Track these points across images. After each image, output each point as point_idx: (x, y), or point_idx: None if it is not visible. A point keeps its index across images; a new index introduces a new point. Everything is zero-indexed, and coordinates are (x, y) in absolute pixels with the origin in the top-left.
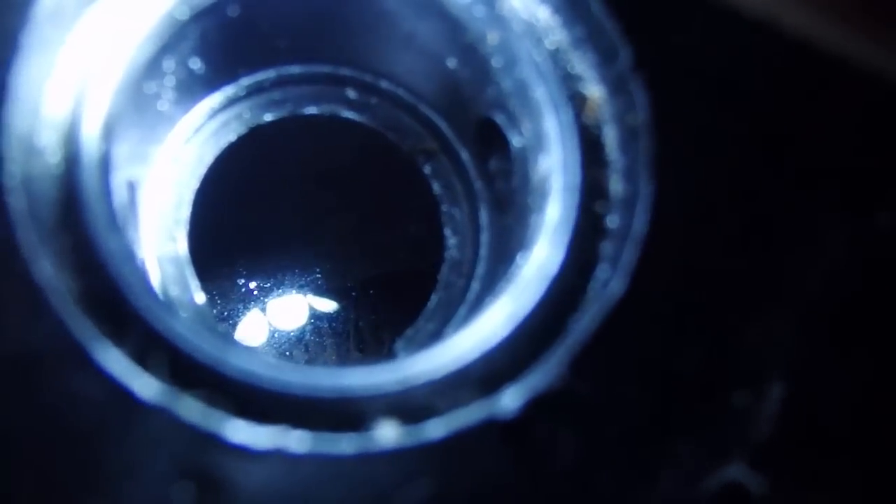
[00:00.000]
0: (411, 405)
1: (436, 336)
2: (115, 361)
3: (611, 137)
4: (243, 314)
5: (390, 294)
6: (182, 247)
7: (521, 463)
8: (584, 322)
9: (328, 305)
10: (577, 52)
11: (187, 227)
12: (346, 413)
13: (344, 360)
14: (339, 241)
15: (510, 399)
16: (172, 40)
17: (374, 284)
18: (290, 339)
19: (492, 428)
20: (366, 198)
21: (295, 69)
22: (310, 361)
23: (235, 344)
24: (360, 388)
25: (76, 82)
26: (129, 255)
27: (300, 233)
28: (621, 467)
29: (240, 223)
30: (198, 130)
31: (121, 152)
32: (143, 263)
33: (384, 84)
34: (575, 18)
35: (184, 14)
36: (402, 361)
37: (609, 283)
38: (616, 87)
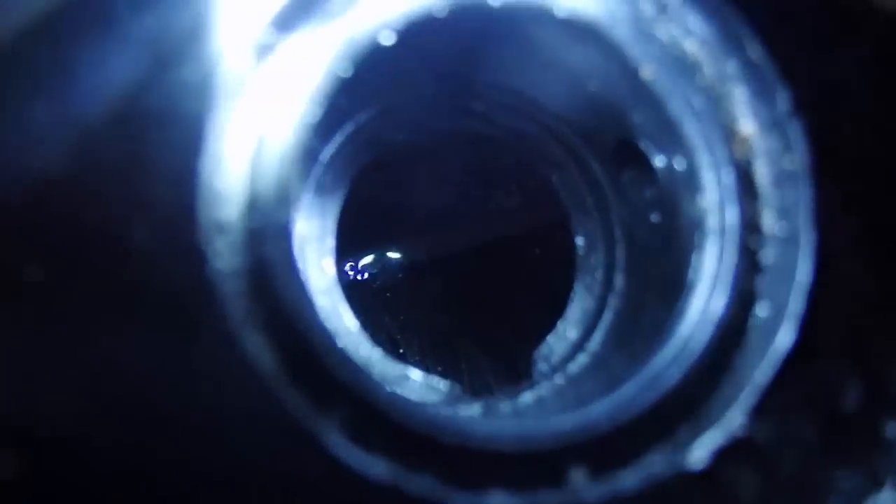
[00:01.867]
0: (599, 453)
1: (577, 348)
2: (334, 439)
3: (764, 175)
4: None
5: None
6: (330, 274)
7: None
8: (759, 370)
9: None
10: (732, 86)
11: (333, 254)
12: (542, 466)
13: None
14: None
15: (698, 449)
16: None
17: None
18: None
19: (681, 477)
20: (498, 208)
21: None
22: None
23: (435, 408)
24: (554, 436)
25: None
26: (325, 328)
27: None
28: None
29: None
30: (334, 158)
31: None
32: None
33: (512, 98)
34: (729, 53)
35: (347, 71)
36: (586, 407)
37: (778, 331)
38: (773, 126)
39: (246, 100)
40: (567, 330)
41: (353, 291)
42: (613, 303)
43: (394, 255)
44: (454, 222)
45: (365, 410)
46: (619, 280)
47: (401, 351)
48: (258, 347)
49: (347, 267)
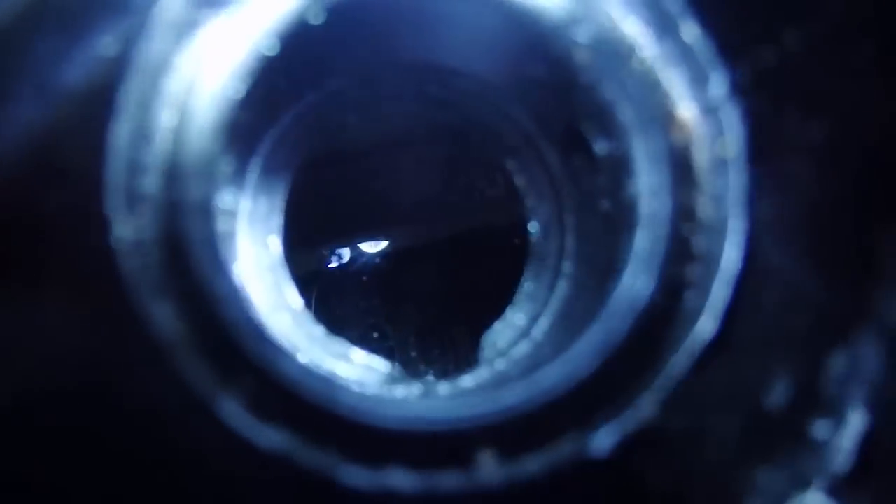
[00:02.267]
0: (509, 437)
1: (523, 334)
2: (235, 412)
3: (702, 161)
4: (326, 290)
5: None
6: (275, 252)
7: (614, 498)
8: (676, 359)
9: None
10: (668, 70)
11: (280, 232)
12: (449, 447)
13: (421, 327)
14: (421, 220)
15: (605, 437)
16: (262, 74)
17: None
18: (372, 295)
19: (587, 464)
20: (450, 190)
21: (377, 72)
22: (389, 319)
23: (343, 384)
24: (463, 419)
25: (169, 126)
26: (240, 298)
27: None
28: (707, 500)
29: (322, 214)
30: (284, 139)
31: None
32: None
33: (467, 83)
34: (664, 35)
35: (273, 49)
36: (500, 390)
37: (700, 320)
38: (708, 110)
39: (170, 74)
40: (514, 316)
41: (334, 278)
42: (560, 290)
43: (360, 242)
44: (415, 210)
45: (266, 382)
46: (567, 267)
47: (379, 336)
48: (164, 317)
49: (327, 254)
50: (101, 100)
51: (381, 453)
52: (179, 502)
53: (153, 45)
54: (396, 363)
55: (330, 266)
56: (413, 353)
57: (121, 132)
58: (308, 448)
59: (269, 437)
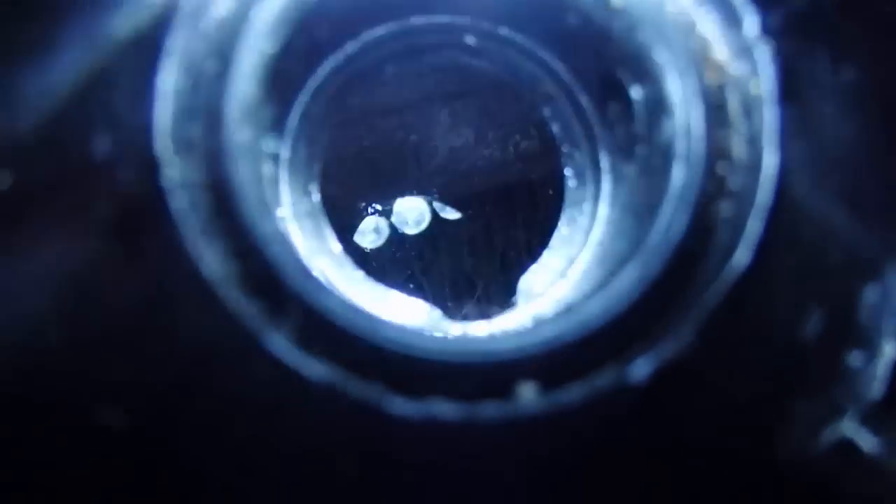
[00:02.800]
0: (548, 369)
1: (560, 274)
2: (283, 345)
3: (735, 101)
4: (367, 236)
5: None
6: (316, 199)
7: (651, 427)
8: (711, 290)
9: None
10: (702, 12)
11: (319, 179)
12: (490, 379)
13: (457, 268)
14: (457, 171)
15: (642, 366)
16: (303, 22)
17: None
18: (408, 248)
19: (625, 393)
20: (488, 137)
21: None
22: (424, 270)
23: (385, 319)
24: (503, 351)
25: (214, 72)
26: (283, 237)
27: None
28: (743, 429)
29: (362, 161)
30: (322, 89)
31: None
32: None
33: (503, 31)
34: None
35: None
36: (540, 325)
37: (734, 253)
38: (742, 51)
39: (214, 21)
40: (550, 259)
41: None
42: (597, 233)
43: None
44: (457, 161)
45: (312, 317)
46: (602, 210)
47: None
48: (213, 257)
49: (363, 207)
50: (148, 46)
51: (425, 385)
52: (231, 434)
53: None
54: (435, 307)
55: (365, 220)
56: (448, 304)
57: (168, 78)
58: (354, 380)
59: (317, 369)
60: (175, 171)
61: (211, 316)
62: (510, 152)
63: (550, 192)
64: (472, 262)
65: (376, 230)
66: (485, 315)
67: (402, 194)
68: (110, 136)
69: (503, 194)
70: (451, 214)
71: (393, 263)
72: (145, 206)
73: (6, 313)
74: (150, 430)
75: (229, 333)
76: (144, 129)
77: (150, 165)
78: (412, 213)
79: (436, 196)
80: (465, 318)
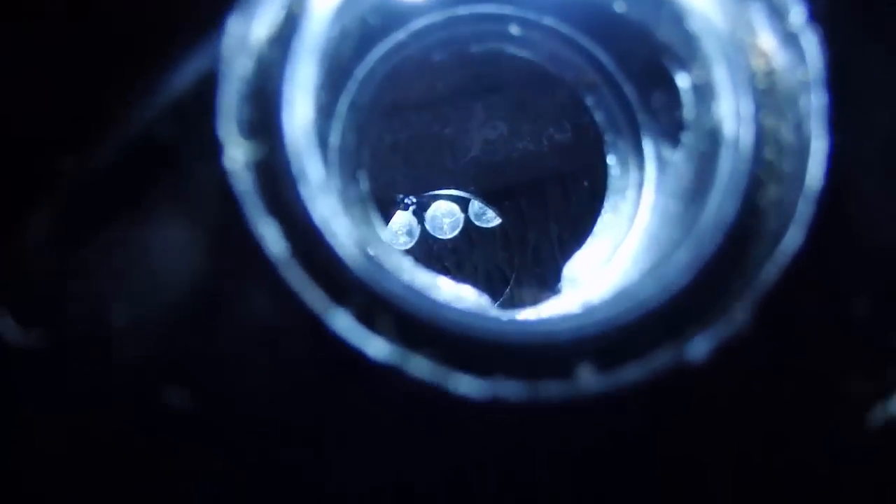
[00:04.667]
0: (607, 350)
1: (604, 261)
2: (345, 325)
3: (782, 86)
4: (399, 237)
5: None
6: (364, 186)
7: (709, 404)
8: (765, 272)
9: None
10: (749, 2)
11: (367, 167)
12: (549, 360)
13: (490, 261)
14: (497, 161)
15: (700, 345)
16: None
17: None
18: (442, 242)
19: (683, 372)
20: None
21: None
22: (458, 264)
23: (446, 301)
24: (562, 332)
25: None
26: (342, 220)
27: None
28: (796, 407)
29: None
30: (369, 76)
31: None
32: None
33: (547, 20)
34: None
35: None
36: (598, 306)
37: (786, 235)
38: (788, 38)
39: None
40: (595, 246)
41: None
42: (641, 219)
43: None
44: (499, 150)
45: (374, 298)
46: (647, 197)
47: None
48: (274, 238)
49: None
50: (211, 31)
51: (486, 365)
52: (294, 414)
53: None
54: (484, 293)
55: (397, 217)
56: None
57: (230, 62)
58: (417, 359)
59: (380, 349)
60: (237, 153)
61: (274, 297)
62: (544, 145)
63: (585, 184)
64: (505, 256)
65: (409, 233)
66: (530, 302)
67: (437, 187)
68: (174, 118)
69: (536, 188)
70: (487, 222)
71: (427, 257)
72: (209, 188)
73: (72, 293)
74: (213, 410)
75: (292, 314)
76: (208, 112)
77: (214, 147)
78: (448, 218)
79: (472, 191)
80: (516, 304)
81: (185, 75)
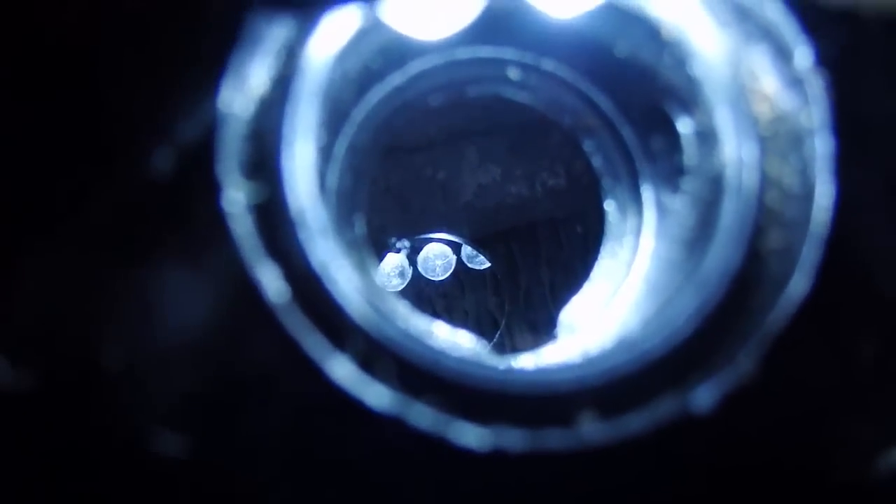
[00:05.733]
0: (611, 398)
1: (601, 307)
2: (345, 372)
3: (785, 132)
4: (391, 279)
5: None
6: (360, 229)
7: (715, 453)
8: (770, 318)
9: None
10: (753, 46)
11: (364, 210)
12: (550, 408)
13: (481, 306)
14: (490, 206)
15: (705, 394)
16: (353, 45)
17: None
18: (432, 285)
19: (688, 421)
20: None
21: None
22: (448, 308)
23: (448, 349)
24: (563, 381)
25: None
26: (342, 265)
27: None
28: (802, 455)
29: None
30: (367, 119)
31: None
32: None
33: (546, 64)
34: (747, 13)
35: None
36: (602, 354)
37: (792, 281)
38: (793, 83)
39: (273, 45)
40: (592, 292)
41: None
42: (640, 265)
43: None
44: (492, 194)
45: (374, 344)
46: (645, 243)
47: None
48: (273, 281)
49: (393, 242)
50: (212, 71)
51: (488, 413)
52: (292, 461)
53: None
54: (480, 338)
55: (389, 259)
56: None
57: (230, 102)
58: (418, 407)
59: (380, 396)
60: (236, 194)
61: (272, 342)
62: (537, 190)
63: (579, 229)
64: (496, 301)
65: (401, 274)
66: (526, 349)
67: (429, 231)
68: (173, 158)
69: (529, 232)
70: (479, 265)
71: (417, 301)
72: (209, 231)
73: (65, 334)
74: (208, 456)
75: (291, 360)
76: (207, 152)
77: (213, 188)
78: (440, 259)
79: (465, 235)
80: (513, 350)
81: (186, 116)
